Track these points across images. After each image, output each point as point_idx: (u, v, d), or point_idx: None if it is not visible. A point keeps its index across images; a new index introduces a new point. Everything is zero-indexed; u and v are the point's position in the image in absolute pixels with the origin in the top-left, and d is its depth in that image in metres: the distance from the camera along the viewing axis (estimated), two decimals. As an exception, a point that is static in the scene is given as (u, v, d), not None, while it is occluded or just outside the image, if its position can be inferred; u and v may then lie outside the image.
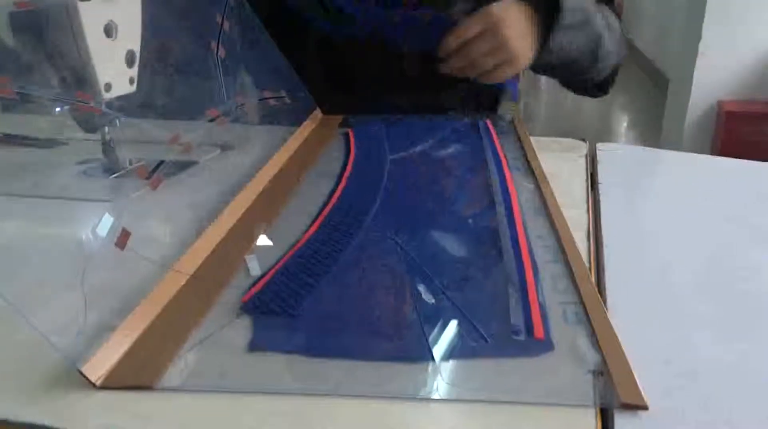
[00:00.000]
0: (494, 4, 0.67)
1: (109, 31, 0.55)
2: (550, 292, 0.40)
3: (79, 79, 0.55)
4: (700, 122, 2.23)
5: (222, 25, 0.75)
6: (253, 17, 0.80)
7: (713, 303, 0.40)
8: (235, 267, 0.43)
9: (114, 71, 0.57)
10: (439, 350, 0.34)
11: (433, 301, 0.38)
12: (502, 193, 0.54)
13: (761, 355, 0.35)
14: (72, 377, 0.31)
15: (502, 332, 0.35)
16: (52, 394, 0.31)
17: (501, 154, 0.67)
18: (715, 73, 2.15)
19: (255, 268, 0.42)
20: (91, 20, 0.53)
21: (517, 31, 0.67)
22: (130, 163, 0.62)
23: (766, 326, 0.38)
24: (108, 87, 0.56)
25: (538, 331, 0.35)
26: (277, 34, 0.79)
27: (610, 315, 0.37)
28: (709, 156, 0.69)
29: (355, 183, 0.59)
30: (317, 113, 0.83)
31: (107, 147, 0.61)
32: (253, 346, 0.34)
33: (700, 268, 0.44)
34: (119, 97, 0.58)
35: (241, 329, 0.36)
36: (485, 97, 0.88)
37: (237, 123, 0.73)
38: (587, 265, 0.43)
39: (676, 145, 2.31)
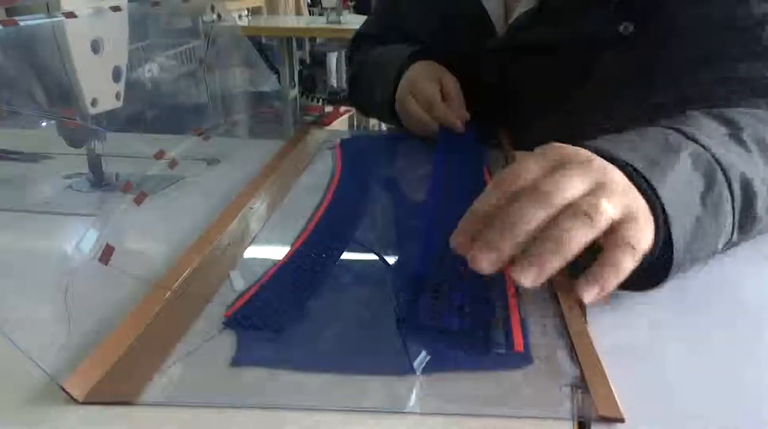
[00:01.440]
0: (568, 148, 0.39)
1: (95, 47, 0.55)
2: (531, 305, 0.40)
3: (65, 94, 0.55)
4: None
5: (209, 39, 0.75)
6: (238, 30, 0.81)
7: (691, 315, 0.41)
8: (220, 282, 0.43)
9: (100, 86, 0.57)
10: (419, 363, 0.34)
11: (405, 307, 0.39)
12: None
13: (739, 367, 0.36)
14: (54, 393, 0.31)
15: (482, 345, 0.36)
16: (33, 410, 0.31)
17: (486, 168, 0.68)
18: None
19: (239, 282, 0.43)
20: (77, 37, 0.53)
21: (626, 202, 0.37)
22: (117, 178, 0.62)
23: (743, 338, 0.39)
24: (94, 102, 0.56)
25: (518, 344, 0.35)
26: None
27: (589, 328, 0.38)
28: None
29: (341, 197, 0.59)
30: (304, 127, 0.84)
31: (93, 161, 0.61)
32: (236, 361, 0.34)
33: (679, 281, 0.45)
34: (106, 112, 0.59)
35: (225, 344, 0.36)
36: None
37: (223, 137, 0.73)
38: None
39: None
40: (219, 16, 0.77)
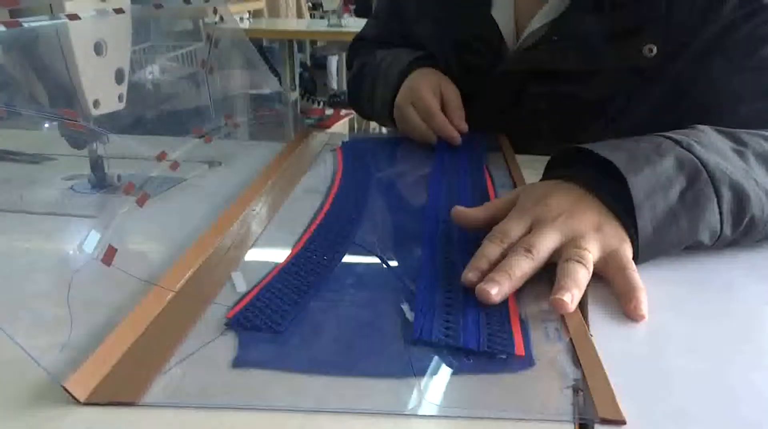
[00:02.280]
0: (539, 188, 0.50)
1: (98, 48, 0.55)
2: (533, 309, 0.40)
3: (67, 95, 0.55)
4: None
5: (211, 41, 0.76)
6: (240, 32, 0.81)
7: (692, 318, 0.41)
8: (221, 283, 0.43)
9: (103, 88, 0.57)
10: (420, 366, 0.34)
11: (414, 319, 0.39)
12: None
13: (739, 369, 0.36)
14: (55, 393, 0.31)
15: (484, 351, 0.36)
16: (35, 410, 0.31)
17: (486, 172, 0.68)
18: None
19: (240, 284, 0.43)
20: (80, 38, 0.53)
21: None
22: (118, 179, 0.62)
23: (744, 342, 0.39)
24: (96, 104, 0.57)
25: (519, 349, 0.35)
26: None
27: (590, 331, 0.38)
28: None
29: (342, 200, 0.59)
30: (305, 130, 0.84)
31: (95, 163, 0.61)
32: (238, 363, 0.34)
33: (678, 286, 0.45)
34: (108, 114, 0.59)
35: (226, 345, 0.36)
36: None
37: (225, 139, 0.73)
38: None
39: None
40: (221, 18, 0.77)
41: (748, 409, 0.33)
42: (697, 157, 0.47)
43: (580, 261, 0.42)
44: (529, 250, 0.43)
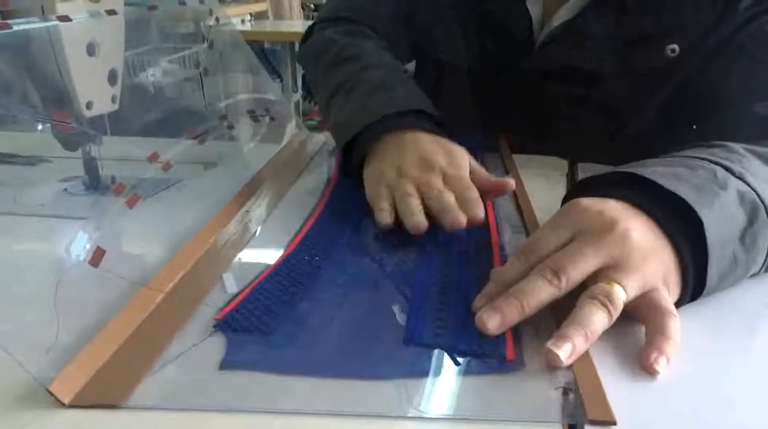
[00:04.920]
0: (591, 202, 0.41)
1: (91, 50, 0.55)
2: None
3: (60, 97, 0.55)
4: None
5: (206, 43, 0.75)
6: (237, 34, 0.80)
7: (683, 320, 0.40)
8: (211, 285, 0.43)
9: (96, 90, 0.57)
10: (410, 368, 0.34)
11: (406, 320, 0.38)
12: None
13: (731, 371, 0.36)
14: (41, 396, 0.31)
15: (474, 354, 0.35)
16: (19, 413, 0.31)
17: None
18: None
19: (231, 285, 0.42)
20: (73, 40, 0.53)
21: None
22: (113, 181, 0.62)
23: (735, 343, 0.39)
24: (89, 105, 0.56)
25: (510, 352, 0.35)
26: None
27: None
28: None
29: (336, 201, 0.59)
30: (301, 131, 0.83)
31: (89, 165, 0.61)
32: (225, 365, 0.34)
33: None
34: (101, 116, 0.59)
35: (214, 347, 0.36)
36: None
37: (221, 141, 0.73)
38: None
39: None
40: (217, 20, 0.77)
41: (741, 411, 0.32)
42: (754, 190, 0.43)
43: (605, 304, 0.36)
44: (556, 274, 0.37)
